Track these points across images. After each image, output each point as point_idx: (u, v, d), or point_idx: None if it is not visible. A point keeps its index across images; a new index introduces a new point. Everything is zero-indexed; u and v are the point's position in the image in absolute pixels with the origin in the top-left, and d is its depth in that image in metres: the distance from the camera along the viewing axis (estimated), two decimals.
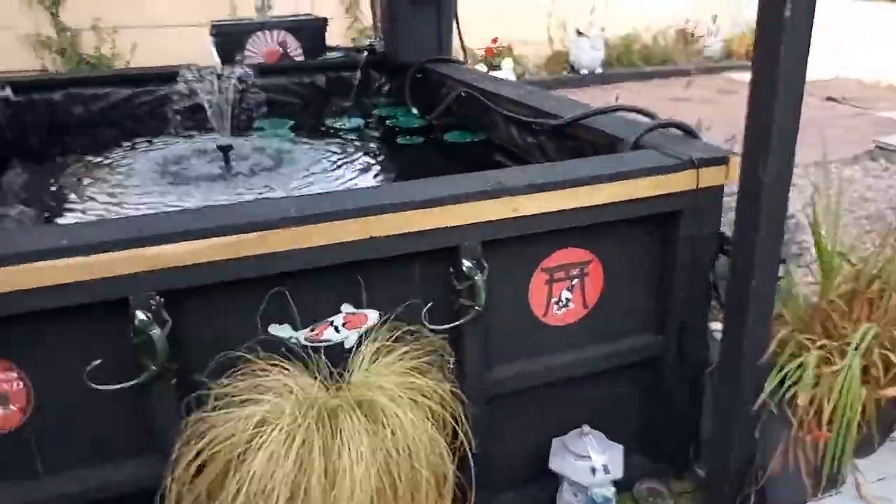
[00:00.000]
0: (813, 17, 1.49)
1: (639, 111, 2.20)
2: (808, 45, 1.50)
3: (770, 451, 1.76)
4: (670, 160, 1.83)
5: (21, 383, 1.50)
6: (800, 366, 1.66)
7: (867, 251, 2.05)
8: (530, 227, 1.74)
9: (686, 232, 1.89)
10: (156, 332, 1.45)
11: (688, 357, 2.06)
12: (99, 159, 2.91)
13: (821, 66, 8.08)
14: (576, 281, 1.90)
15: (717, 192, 1.89)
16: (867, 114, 6.70)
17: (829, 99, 7.37)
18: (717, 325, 2.16)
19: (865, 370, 1.67)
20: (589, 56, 8.51)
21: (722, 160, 1.84)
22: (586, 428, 1.93)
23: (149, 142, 3.16)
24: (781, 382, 1.67)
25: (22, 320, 1.43)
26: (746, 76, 1.60)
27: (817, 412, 1.63)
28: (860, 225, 3.92)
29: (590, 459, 1.87)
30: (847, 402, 1.59)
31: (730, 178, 1.86)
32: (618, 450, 1.94)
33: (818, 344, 1.70)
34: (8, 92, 3.34)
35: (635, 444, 2.12)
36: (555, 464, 1.92)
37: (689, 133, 2.04)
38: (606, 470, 1.86)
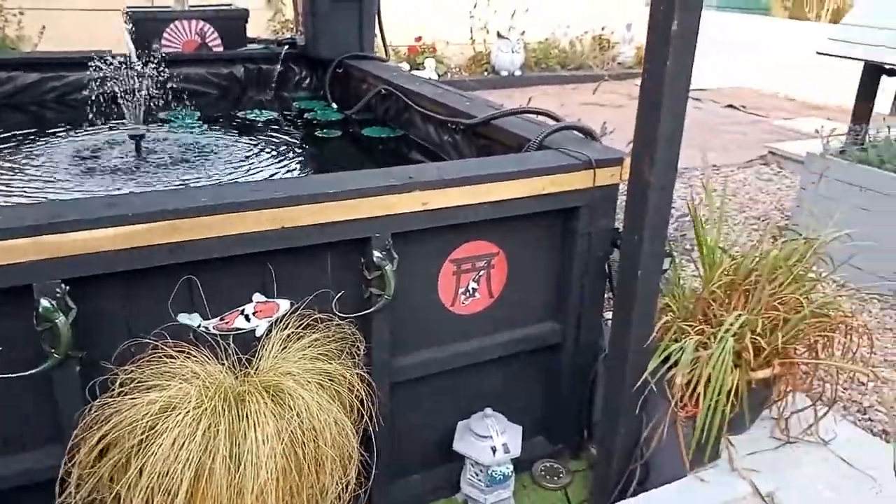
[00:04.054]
0: (697, 32, 1.62)
1: (545, 114, 2.33)
2: (692, 58, 1.63)
3: (652, 429, 1.92)
4: (570, 160, 1.96)
5: None
6: (680, 350, 1.81)
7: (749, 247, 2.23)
8: (439, 221, 1.83)
9: (584, 227, 2.03)
10: (60, 319, 1.45)
11: (583, 344, 2.20)
12: (4, 145, 2.80)
13: (722, 75, 8.59)
14: (482, 272, 2.00)
15: (613, 190, 2.04)
16: (764, 121, 7.16)
17: (730, 106, 7.84)
18: (611, 315, 2.31)
19: (739, 354, 1.84)
20: (508, 58, 8.72)
21: (617, 161, 1.99)
22: (489, 410, 2.03)
23: (57, 129, 3.06)
24: (663, 364, 1.82)
25: None
26: None
27: (693, 391, 1.78)
28: (749, 224, 4.21)
29: (491, 440, 1.98)
30: (718, 382, 1.75)
31: (624, 178, 2.01)
32: (516, 430, 2.05)
33: (697, 329, 1.87)
34: None
35: (536, 426, 2.25)
36: (459, 445, 2.02)
37: (590, 136, 2.18)
38: (506, 449, 1.97)
